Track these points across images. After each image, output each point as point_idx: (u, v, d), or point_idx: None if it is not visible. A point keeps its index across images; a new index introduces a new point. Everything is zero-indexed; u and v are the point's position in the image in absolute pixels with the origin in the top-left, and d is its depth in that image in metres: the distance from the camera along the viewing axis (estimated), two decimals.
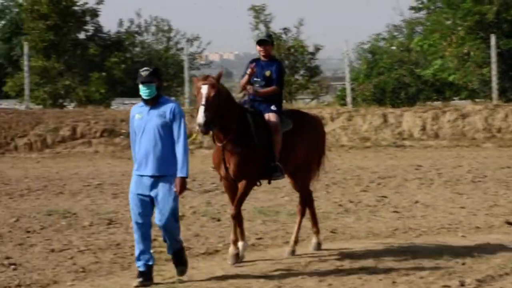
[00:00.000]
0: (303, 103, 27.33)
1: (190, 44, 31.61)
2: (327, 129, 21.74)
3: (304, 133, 9.19)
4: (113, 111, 22.76)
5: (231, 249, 8.61)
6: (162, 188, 7.59)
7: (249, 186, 8.64)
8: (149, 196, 7.63)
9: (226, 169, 8.55)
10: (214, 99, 8.15)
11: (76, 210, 12.00)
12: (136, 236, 7.71)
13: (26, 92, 23.17)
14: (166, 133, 7.59)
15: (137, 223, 7.67)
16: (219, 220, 11.16)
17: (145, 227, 7.69)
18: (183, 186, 7.57)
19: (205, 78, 8.31)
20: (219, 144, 8.52)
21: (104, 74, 26.22)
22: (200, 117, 8.05)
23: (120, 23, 32.23)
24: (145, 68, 7.69)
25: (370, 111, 22.44)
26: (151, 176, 7.59)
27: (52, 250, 9.32)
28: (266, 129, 8.74)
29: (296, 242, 9.13)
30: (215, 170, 8.90)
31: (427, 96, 25.48)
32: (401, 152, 20.33)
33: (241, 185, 8.57)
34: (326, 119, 21.72)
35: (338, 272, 8.20)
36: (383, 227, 10.77)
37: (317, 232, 9.39)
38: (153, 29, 35.19)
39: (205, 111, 8.05)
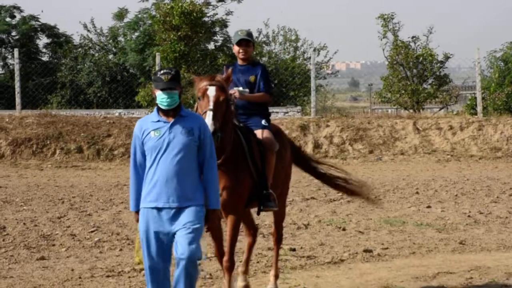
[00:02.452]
0: (431, 112, 26.84)
1: (317, 54, 31.66)
2: (456, 138, 21.41)
3: (282, 153, 7.76)
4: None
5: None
6: (185, 218, 5.92)
7: (238, 224, 7.09)
8: (169, 233, 5.94)
9: None
10: (223, 105, 6.81)
11: None
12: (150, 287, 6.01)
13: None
14: (192, 154, 6.01)
15: (153, 270, 5.97)
16: (344, 229, 11.09)
17: (163, 275, 6.01)
18: (213, 221, 6.10)
19: (213, 78, 6.95)
20: None
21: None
22: (208, 123, 6.51)
23: None
24: (164, 70, 6.06)
25: (501, 120, 21.77)
26: (173, 208, 5.95)
27: None
28: (259, 149, 7.34)
29: (276, 276, 7.74)
30: None
31: None
32: None
33: (229, 223, 7.02)
34: (455, 128, 21.25)
35: (467, 284, 7.99)
36: None
37: (245, 272, 7.68)
38: (280, 38, 35.50)
39: (214, 117, 6.65)
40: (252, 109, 7.63)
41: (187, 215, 5.91)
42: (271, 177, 7.44)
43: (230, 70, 7.27)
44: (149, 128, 6.06)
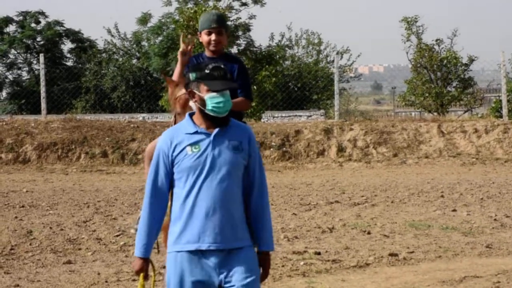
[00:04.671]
0: (456, 115, 26.70)
1: (340, 57, 31.62)
2: (482, 141, 21.26)
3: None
4: (264, 124, 23.09)
5: None
6: (239, 267, 4.51)
7: None
8: (212, 284, 4.51)
9: None
10: None
11: None
12: None
13: None
14: (240, 177, 4.59)
15: None
16: (369, 233, 11.06)
17: None
18: (269, 266, 4.72)
19: None
20: None
21: (255, 87, 26.70)
22: None
23: (272, 37, 32.72)
24: (213, 64, 4.62)
25: None
26: (221, 251, 4.49)
27: None
28: None
29: None
30: (165, 232, 5.13)
31: None
32: None
33: None
34: (480, 131, 21.12)
35: None
36: None
37: None
38: (303, 42, 35.53)
39: None
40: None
41: (241, 263, 4.49)
42: None
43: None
44: (184, 141, 4.55)
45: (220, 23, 6.21)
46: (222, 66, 4.62)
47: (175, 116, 5.38)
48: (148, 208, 4.60)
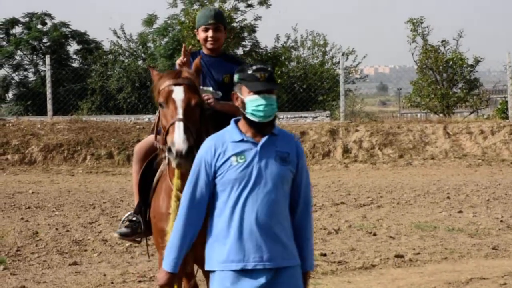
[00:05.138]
0: (461, 117, 26.65)
1: (346, 58, 31.59)
2: (488, 142, 21.22)
3: None
4: None
5: None
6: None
7: None
8: None
9: None
10: (195, 112, 4.95)
11: None
12: None
13: None
14: (287, 191, 4.29)
15: None
16: (375, 234, 11.05)
17: None
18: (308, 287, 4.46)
19: (178, 74, 5.04)
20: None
21: None
22: (179, 139, 4.67)
23: (277, 38, 32.73)
24: (257, 66, 4.30)
25: None
26: (269, 270, 4.16)
27: None
28: None
29: None
30: (159, 237, 5.18)
31: None
32: None
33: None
34: (486, 133, 21.08)
35: None
36: None
37: None
38: (309, 43, 35.49)
39: (185, 130, 4.73)
40: (223, 122, 4.79)
41: (290, 285, 4.19)
42: None
43: (198, 58, 5.34)
44: (228, 150, 4.21)
45: (217, 19, 5.78)
46: (269, 68, 4.28)
47: (159, 112, 5.12)
48: (184, 220, 4.24)
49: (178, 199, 4.66)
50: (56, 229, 11.33)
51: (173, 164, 4.71)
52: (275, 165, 4.20)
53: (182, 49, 5.52)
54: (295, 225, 4.31)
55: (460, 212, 12.71)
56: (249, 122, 4.23)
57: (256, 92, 4.20)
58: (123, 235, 5.69)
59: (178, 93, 4.91)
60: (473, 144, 20.81)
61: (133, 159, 5.84)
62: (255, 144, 4.21)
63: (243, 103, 4.24)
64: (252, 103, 4.20)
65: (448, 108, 26.60)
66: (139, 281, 8.39)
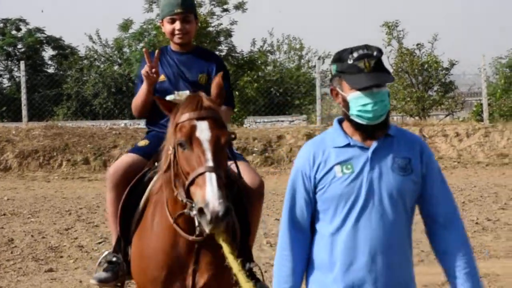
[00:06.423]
0: (437, 119, 26.83)
1: (322, 62, 31.69)
2: (463, 145, 21.36)
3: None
4: (246, 130, 23.09)
5: None
6: None
7: None
8: None
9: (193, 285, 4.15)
10: (225, 151, 3.98)
11: None
12: None
13: None
14: (409, 208, 3.43)
15: None
16: None
17: None
18: None
19: (199, 103, 3.92)
20: (193, 238, 4.08)
21: (237, 93, 26.72)
22: (214, 198, 3.60)
23: (253, 43, 32.77)
24: (360, 51, 3.30)
25: (508, 126, 21.73)
26: None
27: None
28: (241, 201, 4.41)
29: None
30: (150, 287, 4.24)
31: None
32: None
33: None
34: (461, 135, 21.22)
35: None
36: None
37: None
38: (285, 47, 35.59)
39: (220, 183, 3.68)
40: None
41: None
42: (253, 241, 4.89)
43: (157, 52, 4.69)
44: (331, 158, 3.35)
45: (186, 7, 4.85)
46: (374, 52, 3.32)
47: (174, 149, 4.00)
48: (286, 244, 3.42)
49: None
50: (32, 235, 11.24)
51: (206, 229, 3.68)
52: (392, 176, 3.31)
53: (145, 55, 4.62)
54: (440, 252, 3.46)
55: None
56: (355, 125, 3.33)
57: (361, 89, 3.28)
58: (102, 281, 4.78)
59: (204, 131, 3.85)
60: (449, 147, 20.94)
61: (107, 184, 4.80)
62: (365, 149, 3.32)
63: (346, 102, 3.34)
64: (357, 102, 3.28)
65: (423, 111, 26.75)
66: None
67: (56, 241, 10.89)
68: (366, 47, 3.31)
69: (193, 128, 3.84)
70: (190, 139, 3.84)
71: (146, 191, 4.50)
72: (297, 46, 35.48)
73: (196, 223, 3.83)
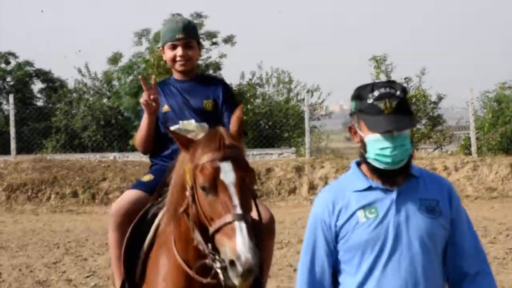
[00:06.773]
0: (425, 153, 26.92)
1: (311, 95, 31.81)
2: (451, 178, 21.40)
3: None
4: None
5: None
6: None
7: None
8: None
9: None
10: (250, 193, 3.62)
11: None
12: None
13: None
14: (440, 253, 3.17)
15: None
16: None
17: None
18: None
19: (220, 142, 3.55)
20: (207, 280, 3.74)
21: None
22: (245, 250, 3.26)
23: (242, 76, 32.91)
24: (382, 90, 3.09)
25: (496, 160, 21.83)
26: None
27: None
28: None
29: None
30: None
31: None
32: None
33: None
34: (450, 169, 21.28)
35: None
36: None
37: None
38: (274, 80, 35.73)
39: (251, 233, 3.34)
40: None
41: None
42: (267, 275, 4.55)
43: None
44: (352, 203, 3.12)
45: (188, 33, 4.63)
46: (397, 92, 3.07)
47: (193, 190, 3.66)
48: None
49: None
50: (20, 269, 11.16)
51: (235, 281, 3.34)
52: (421, 218, 3.04)
53: (141, 82, 4.44)
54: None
55: None
56: (373, 169, 3.11)
57: (381, 132, 3.05)
58: None
59: (228, 173, 3.48)
60: None
61: (110, 224, 4.53)
62: (389, 191, 3.07)
63: (363, 143, 3.12)
64: (375, 145, 3.05)
65: (412, 145, 26.87)
66: None
67: (44, 275, 10.82)
68: (390, 85, 3.08)
69: (216, 171, 3.47)
70: (214, 183, 3.47)
71: (151, 230, 4.22)
72: (286, 79, 35.62)
73: (221, 276, 3.46)
